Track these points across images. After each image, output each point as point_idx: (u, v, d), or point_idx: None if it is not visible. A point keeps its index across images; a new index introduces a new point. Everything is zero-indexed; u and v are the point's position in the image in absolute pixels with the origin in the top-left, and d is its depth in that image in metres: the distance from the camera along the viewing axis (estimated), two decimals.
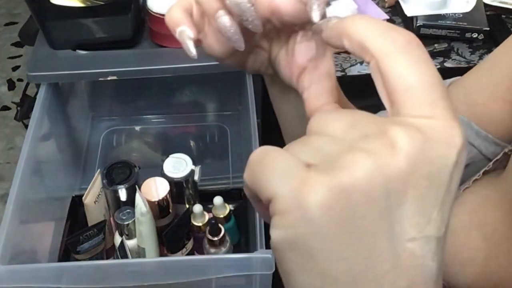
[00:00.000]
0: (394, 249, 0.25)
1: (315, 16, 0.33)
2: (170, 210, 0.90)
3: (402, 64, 0.27)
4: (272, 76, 0.45)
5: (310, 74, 0.38)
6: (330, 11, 0.34)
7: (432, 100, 0.26)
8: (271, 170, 0.26)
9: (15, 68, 2.34)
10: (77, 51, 0.95)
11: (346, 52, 1.03)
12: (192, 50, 0.39)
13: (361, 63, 1.03)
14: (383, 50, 0.28)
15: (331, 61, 0.39)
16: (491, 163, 0.52)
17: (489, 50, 1.05)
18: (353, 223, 0.25)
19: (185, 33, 0.38)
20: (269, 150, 0.27)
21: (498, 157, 0.52)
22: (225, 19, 0.36)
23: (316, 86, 0.37)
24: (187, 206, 0.94)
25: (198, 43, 0.40)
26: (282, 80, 0.42)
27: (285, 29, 0.39)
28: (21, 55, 2.38)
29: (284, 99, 0.49)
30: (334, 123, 0.28)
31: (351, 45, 0.29)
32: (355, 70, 1.03)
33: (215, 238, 0.86)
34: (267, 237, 0.73)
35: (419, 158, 0.25)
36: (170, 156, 0.93)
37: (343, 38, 0.30)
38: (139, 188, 0.85)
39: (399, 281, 0.25)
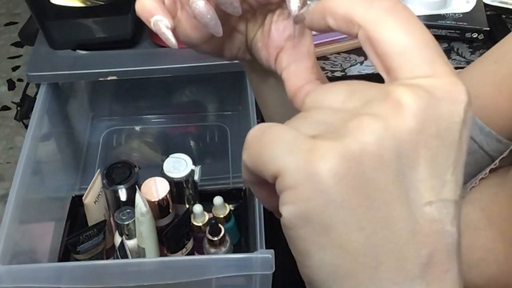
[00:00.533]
0: (412, 215, 0.24)
1: (294, 7, 0.33)
2: (170, 210, 0.90)
3: (392, 28, 0.26)
4: (250, 62, 0.44)
5: (288, 53, 0.37)
6: None
7: (429, 58, 0.26)
8: (275, 144, 0.24)
9: (15, 68, 2.34)
10: (77, 51, 0.95)
11: (346, 52, 1.03)
12: (173, 40, 0.37)
13: (361, 63, 1.03)
14: (370, 17, 0.26)
15: (310, 39, 0.38)
16: (498, 160, 0.51)
17: None
18: (367, 191, 0.24)
19: (161, 23, 0.36)
20: (269, 126, 0.25)
21: (504, 154, 0.51)
22: (201, 4, 0.35)
23: (296, 65, 0.36)
24: (187, 206, 0.94)
25: (172, 31, 0.38)
26: (261, 65, 0.41)
27: (261, 9, 0.38)
28: (21, 55, 2.38)
29: (264, 85, 0.47)
30: (331, 95, 0.26)
31: (336, 22, 0.28)
32: (355, 70, 1.02)
33: (215, 238, 0.86)
34: (267, 237, 0.73)
35: (427, 116, 0.24)
36: (170, 156, 0.93)
37: (327, 17, 0.28)
38: (139, 188, 0.85)
39: (420, 248, 0.24)
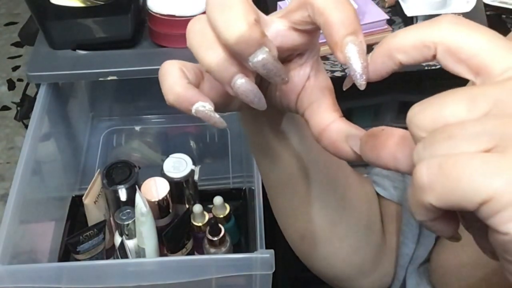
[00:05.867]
0: None
1: (358, 70, 0.31)
2: (170, 210, 0.90)
3: (468, 33, 0.27)
4: (252, 113, 0.43)
5: (308, 92, 0.37)
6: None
7: (510, 47, 0.26)
8: (469, 174, 0.23)
9: (15, 68, 2.34)
10: (77, 51, 0.95)
11: None
12: (222, 121, 0.34)
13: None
14: (444, 32, 0.27)
15: (326, 74, 0.37)
16: None
17: None
18: None
19: (205, 109, 0.33)
20: (445, 160, 0.24)
21: None
22: (246, 83, 0.32)
23: (318, 104, 0.36)
24: (187, 206, 0.94)
25: None
26: (274, 109, 0.40)
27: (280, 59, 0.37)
28: (21, 55, 2.38)
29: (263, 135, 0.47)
30: (450, 108, 0.25)
31: (408, 54, 0.28)
32: None
33: (215, 238, 0.86)
34: (267, 237, 0.73)
35: None
36: (170, 156, 0.93)
37: (396, 55, 0.29)
38: (139, 188, 0.85)
39: None
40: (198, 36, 0.33)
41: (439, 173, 0.24)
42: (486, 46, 0.26)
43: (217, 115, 0.34)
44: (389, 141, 0.30)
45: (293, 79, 0.37)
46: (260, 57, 0.31)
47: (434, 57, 0.28)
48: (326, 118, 0.35)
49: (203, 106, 0.33)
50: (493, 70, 0.26)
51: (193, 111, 0.34)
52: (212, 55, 0.32)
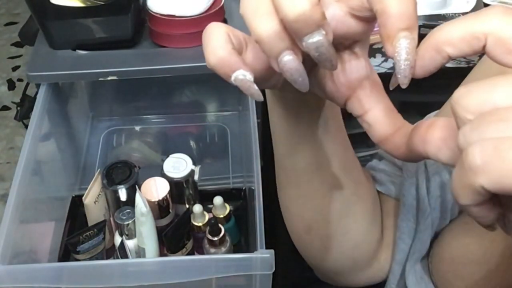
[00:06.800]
0: None
1: (404, 83, 0.30)
2: (170, 210, 0.90)
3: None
4: (282, 95, 0.43)
5: (367, 94, 0.35)
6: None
7: None
8: None
9: (15, 68, 2.34)
10: (77, 51, 0.95)
11: None
12: (259, 94, 0.33)
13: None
14: (494, 22, 0.27)
15: (378, 77, 0.36)
16: None
17: None
18: None
19: (246, 78, 0.32)
20: (498, 143, 0.24)
21: None
22: (293, 61, 0.31)
23: (379, 109, 0.34)
24: (187, 206, 0.94)
25: None
26: (313, 96, 0.39)
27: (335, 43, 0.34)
28: (21, 55, 2.38)
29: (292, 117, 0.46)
30: (498, 93, 0.25)
31: (457, 47, 0.28)
32: None
33: (215, 238, 0.86)
34: (267, 237, 0.73)
35: None
36: (170, 156, 0.93)
37: (444, 48, 0.28)
38: (139, 188, 0.85)
39: None
40: (253, 3, 0.31)
41: (495, 154, 0.23)
42: None
43: (255, 87, 0.33)
44: (420, 126, 0.30)
45: (347, 72, 0.35)
46: (316, 38, 0.30)
47: (483, 48, 0.27)
48: (391, 125, 0.34)
49: (243, 75, 0.32)
50: None
51: (232, 78, 0.32)
52: (266, 25, 0.30)
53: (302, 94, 0.35)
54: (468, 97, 0.25)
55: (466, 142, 0.25)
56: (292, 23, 0.29)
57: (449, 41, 0.28)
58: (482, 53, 0.28)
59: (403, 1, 0.29)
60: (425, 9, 1.07)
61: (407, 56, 0.29)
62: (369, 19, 0.32)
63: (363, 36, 0.35)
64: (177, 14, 0.93)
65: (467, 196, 0.25)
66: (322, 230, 0.57)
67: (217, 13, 0.95)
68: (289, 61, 0.31)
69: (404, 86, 0.30)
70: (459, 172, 0.25)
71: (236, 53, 0.33)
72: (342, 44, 0.35)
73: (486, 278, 0.49)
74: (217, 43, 0.33)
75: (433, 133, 0.29)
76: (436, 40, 0.28)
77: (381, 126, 0.34)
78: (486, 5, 1.10)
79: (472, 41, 0.27)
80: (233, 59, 0.32)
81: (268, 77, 0.37)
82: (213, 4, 0.95)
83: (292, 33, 0.30)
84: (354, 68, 0.35)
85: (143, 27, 0.99)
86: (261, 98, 0.33)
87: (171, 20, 0.93)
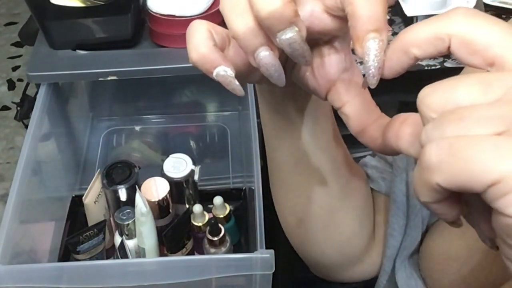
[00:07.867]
0: None
1: (372, 84, 0.31)
2: (170, 210, 0.90)
3: (481, 25, 0.27)
4: (269, 89, 0.43)
5: (345, 86, 0.36)
6: None
7: None
8: (480, 155, 0.23)
9: (15, 68, 2.34)
10: (77, 51, 0.95)
11: None
12: (240, 89, 0.34)
13: (361, 63, 1.03)
14: (458, 24, 0.27)
15: (359, 69, 0.37)
16: None
17: None
18: None
19: (227, 74, 0.34)
20: (456, 140, 0.24)
21: None
22: (269, 56, 0.32)
23: (358, 100, 0.35)
24: (187, 206, 0.94)
25: None
26: (298, 90, 0.40)
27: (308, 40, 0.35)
28: (21, 55, 2.38)
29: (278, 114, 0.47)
30: (462, 91, 0.25)
31: (422, 48, 0.28)
32: None
33: (215, 238, 0.86)
34: (267, 237, 0.73)
35: None
36: (170, 156, 0.93)
37: (411, 49, 0.29)
38: (139, 188, 0.85)
39: None
40: (231, 0, 0.32)
41: (449, 153, 0.24)
42: (500, 36, 0.26)
43: (236, 82, 0.34)
44: (395, 121, 0.31)
45: (326, 65, 0.36)
46: (288, 35, 0.31)
47: (448, 49, 0.28)
48: (369, 117, 0.35)
49: (225, 71, 0.34)
50: (508, 60, 0.26)
51: (214, 74, 0.34)
52: (241, 22, 0.32)
53: (287, 87, 0.36)
54: (431, 96, 0.26)
55: (427, 139, 0.25)
56: (264, 20, 0.30)
57: (415, 42, 0.28)
58: (447, 54, 0.28)
59: (372, 4, 0.29)
60: (425, 9, 1.07)
61: (375, 58, 0.30)
62: (344, 17, 0.33)
63: (340, 33, 0.36)
64: (177, 14, 0.93)
65: (426, 193, 0.26)
66: (313, 224, 0.57)
67: (217, 13, 0.95)
68: (265, 56, 0.32)
69: (372, 86, 0.31)
70: (418, 169, 0.25)
71: (217, 49, 0.34)
72: (322, 39, 0.36)
73: (473, 274, 0.50)
74: (199, 40, 0.34)
75: (405, 128, 0.30)
76: (403, 42, 0.29)
77: (358, 118, 0.35)
78: (486, 5, 1.10)
79: (436, 42, 0.28)
80: (214, 56, 0.33)
81: (249, 73, 0.38)
82: (213, 4, 0.95)
83: (266, 29, 0.31)
84: (334, 62, 0.36)
85: (143, 27, 0.99)
86: (243, 93, 0.34)
87: (171, 20, 0.93)
